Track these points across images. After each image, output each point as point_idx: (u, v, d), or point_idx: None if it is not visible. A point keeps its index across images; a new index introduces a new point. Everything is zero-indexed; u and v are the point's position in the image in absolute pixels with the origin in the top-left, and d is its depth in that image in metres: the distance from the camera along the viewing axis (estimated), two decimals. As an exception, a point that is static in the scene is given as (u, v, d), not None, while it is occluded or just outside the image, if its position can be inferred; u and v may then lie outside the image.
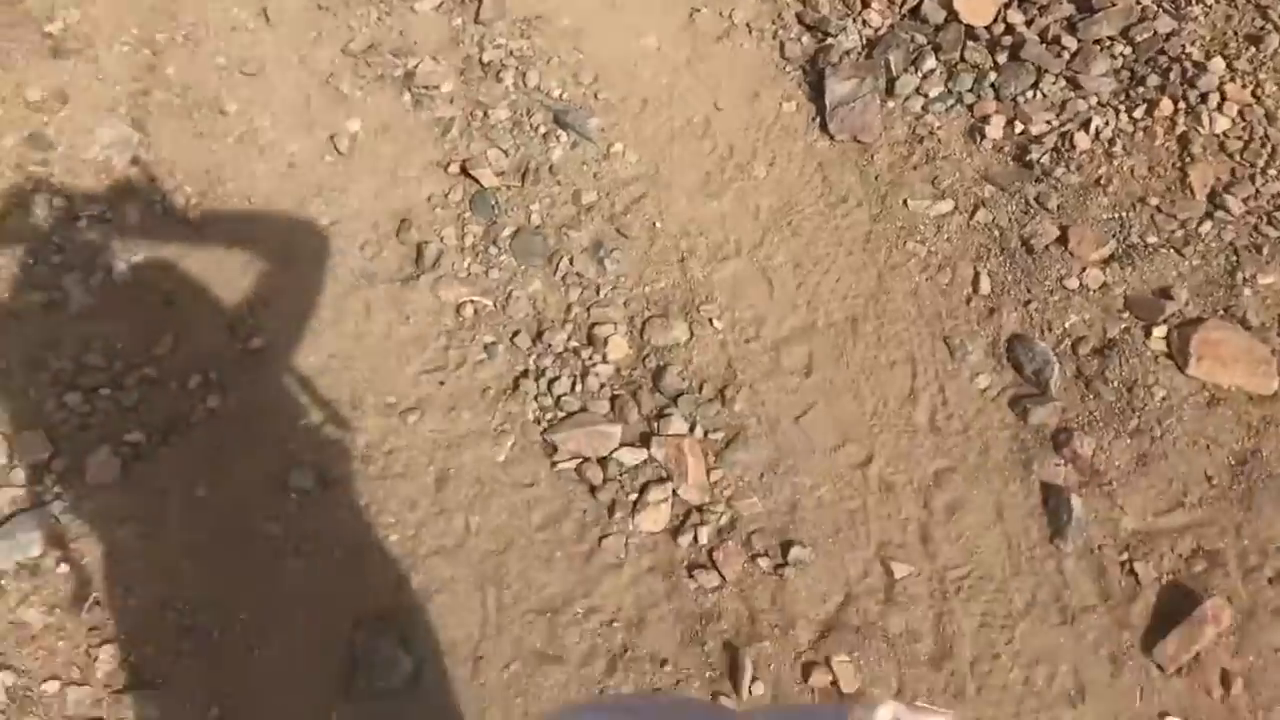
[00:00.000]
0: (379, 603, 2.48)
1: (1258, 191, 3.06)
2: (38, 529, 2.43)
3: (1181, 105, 3.18)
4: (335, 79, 3.13)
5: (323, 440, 2.64)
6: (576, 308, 2.90)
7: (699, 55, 3.39)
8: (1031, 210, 3.11)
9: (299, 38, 3.17)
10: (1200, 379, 2.83)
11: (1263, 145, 3.11)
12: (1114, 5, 3.28)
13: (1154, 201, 3.11)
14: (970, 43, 3.36)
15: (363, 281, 2.87)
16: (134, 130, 2.95)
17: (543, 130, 3.16)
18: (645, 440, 2.70)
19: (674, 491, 2.64)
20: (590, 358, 2.81)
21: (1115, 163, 3.17)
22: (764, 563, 2.58)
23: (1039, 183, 3.16)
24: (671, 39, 3.40)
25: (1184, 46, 3.23)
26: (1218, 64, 3.18)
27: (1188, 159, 3.15)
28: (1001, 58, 3.33)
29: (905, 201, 3.16)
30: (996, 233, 3.09)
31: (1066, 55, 3.29)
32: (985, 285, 3.00)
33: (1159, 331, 2.90)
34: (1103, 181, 3.14)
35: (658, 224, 3.07)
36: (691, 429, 2.74)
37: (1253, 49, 3.21)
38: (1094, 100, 3.24)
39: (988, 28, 3.38)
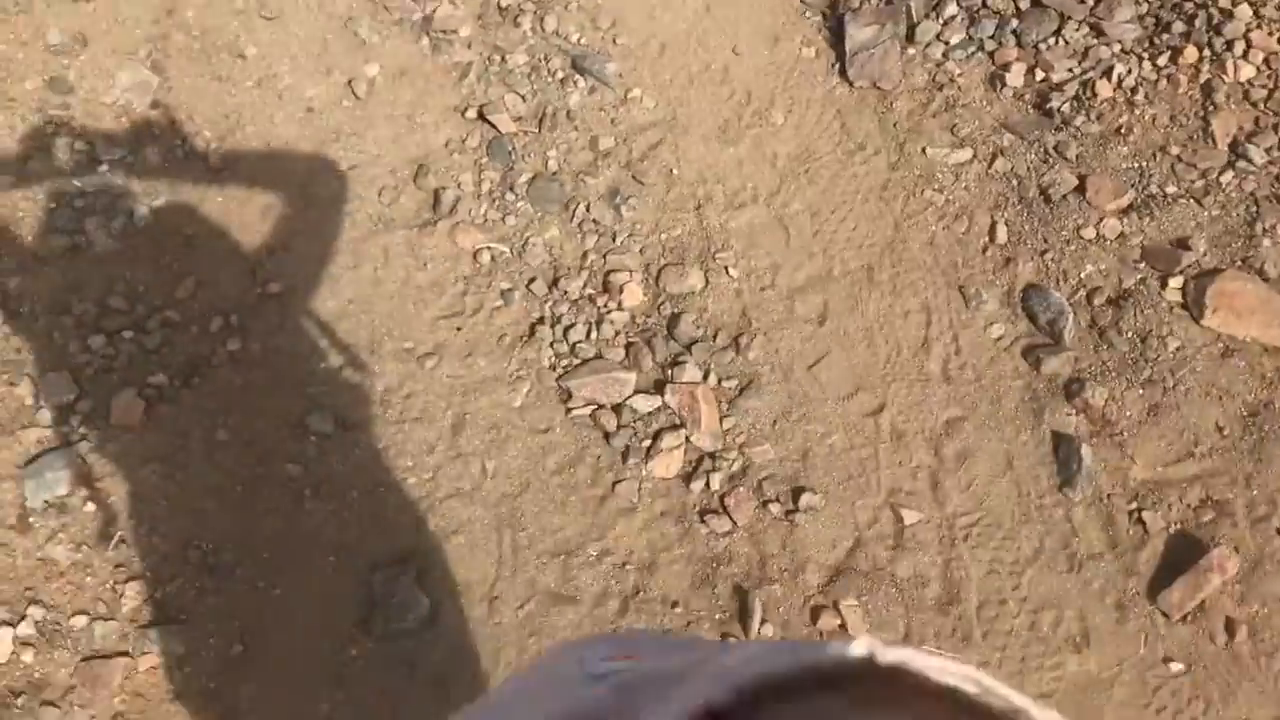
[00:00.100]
0: (397, 544, 2.53)
1: (1280, 141, 3.04)
2: (65, 468, 2.48)
3: (1206, 53, 3.15)
4: (353, 23, 3.13)
5: (341, 384, 2.68)
6: (593, 255, 2.92)
7: None
8: (1050, 159, 3.10)
9: (317, -19, 3.17)
10: (1215, 330, 2.84)
11: (1286, 94, 3.09)
12: (1139, -50, 3.24)
13: (1175, 151, 3.09)
14: (992, -12, 3.33)
15: (380, 227, 2.89)
16: (153, 74, 2.96)
17: (560, 75, 3.15)
18: (659, 387, 2.73)
19: (687, 438, 2.68)
20: (605, 305, 2.84)
21: (1137, 111, 3.15)
22: (775, 508, 2.62)
23: (1059, 131, 3.14)
24: (690, -17, 3.38)
25: (1209, -7, 3.20)
26: (1244, 11, 3.15)
27: (1211, 108, 3.12)
28: (1024, 4, 3.30)
29: (924, 150, 3.15)
30: (1014, 182, 3.08)
31: (1090, 1, 3.25)
32: (1002, 234, 3.00)
33: (1175, 282, 2.89)
34: (1123, 130, 3.12)
35: (675, 171, 3.07)
36: (705, 376, 2.77)
37: (1279, -5, 3.17)
38: (1117, 47, 3.21)
39: (1010, -27, 3.35)
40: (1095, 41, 3.23)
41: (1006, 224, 3.02)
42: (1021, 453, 2.72)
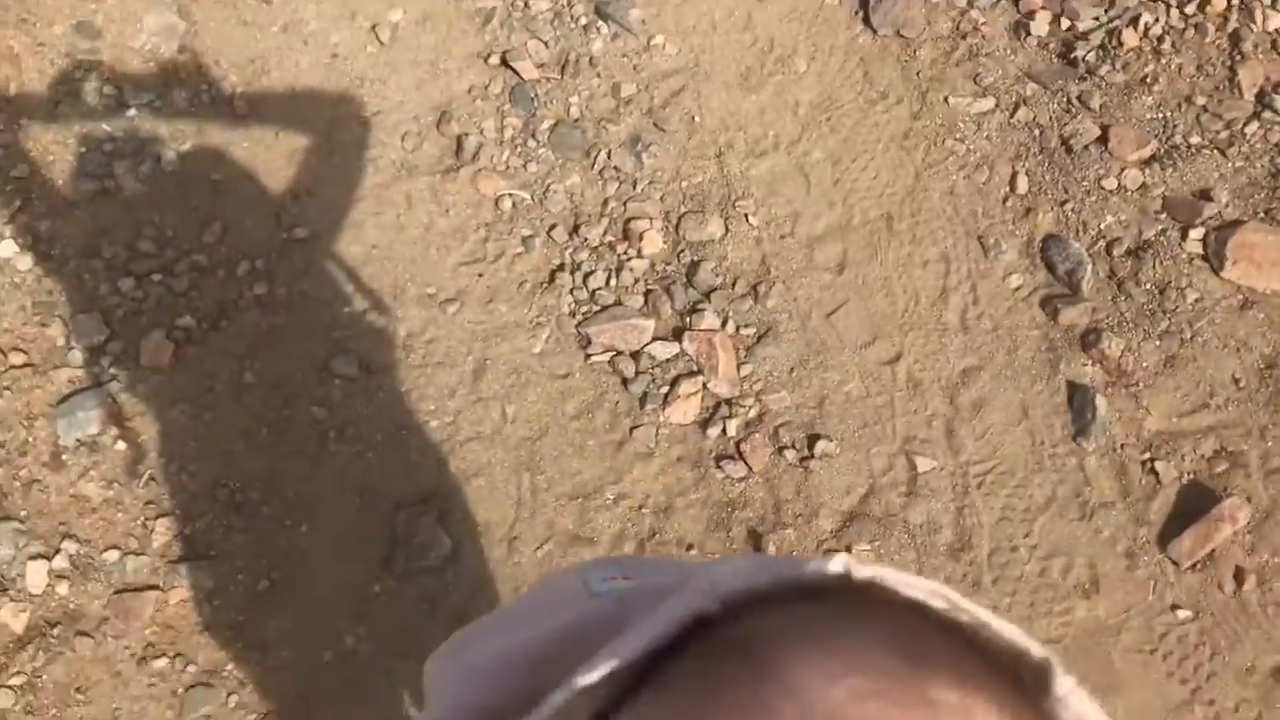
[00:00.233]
0: (419, 485, 2.59)
1: (1306, 92, 3.02)
2: (96, 408, 2.55)
3: (1235, 1, 3.12)
4: (377, -32, 3.14)
5: (365, 329, 2.73)
6: (613, 202, 2.94)
7: (742, -55, 3.35)
8: (1073, 109, 3.09)
9: (341, -74, 3.18)
10: (1235, 282, 2.84)
11: (1315, 44, 3.06)
12: (1170, -104, 3.20)
13: (1200, 101, 3.07)
14: (1019, -66, 3.30)
15: (404, 173, 2.92)
16: (180, 18, 2.99)
17: (583, 21, 3.16)
18: (677, 334, 2.77)
19: (704, 385, 2.71)
20: (625, 252, 2.86)
21: (1163, 61, 3.12)
22: (790, 455, 2.66)
23: (1083, 81, 3.12)
24: (715, -72, 3.36)
25: (1240, -60, 3.16)
26: (1274, -41, 3.11)
27: (1238, 57, 3.10)
28: (1050, -50, 3.27)
29: (946, 99, 3.14)
30: (1036, 132, 3.07)
31: (1118, -52, 3.22)
32: (1022, 185, 3.00)
33: (1195, 234, 2.89)
34: (1149, 80, 3.10)
35: (696, 118, 3.08)
36: (723, 324, 2.79)
37: (1311, -57, 3.13)
38: (1144, -5, 3.19)
39: (1038, -81, 3.32)
40: (1122, -11, 3.20)
41: (1027, 174, 3.01)
42: (1036, 402, 2.74)
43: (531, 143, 2.99)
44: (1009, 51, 3.20)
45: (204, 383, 2.62)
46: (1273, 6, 3.10)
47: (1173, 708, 2.45)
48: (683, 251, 2.89)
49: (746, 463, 2.64)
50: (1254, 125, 3.01)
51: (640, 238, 2.87)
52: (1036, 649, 0.45)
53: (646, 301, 2.82)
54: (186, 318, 2.67)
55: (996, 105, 3.12)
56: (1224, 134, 3.01)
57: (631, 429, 2.67)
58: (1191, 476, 2.64)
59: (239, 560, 2.48)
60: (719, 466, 2.64)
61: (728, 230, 2.93)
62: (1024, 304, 2.86)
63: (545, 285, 2.82)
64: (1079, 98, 3.10)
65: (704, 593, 0.48)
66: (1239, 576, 2.53)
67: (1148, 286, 2.84)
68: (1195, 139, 3.01)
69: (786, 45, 3.21)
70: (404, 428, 2.64)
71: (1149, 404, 2.72)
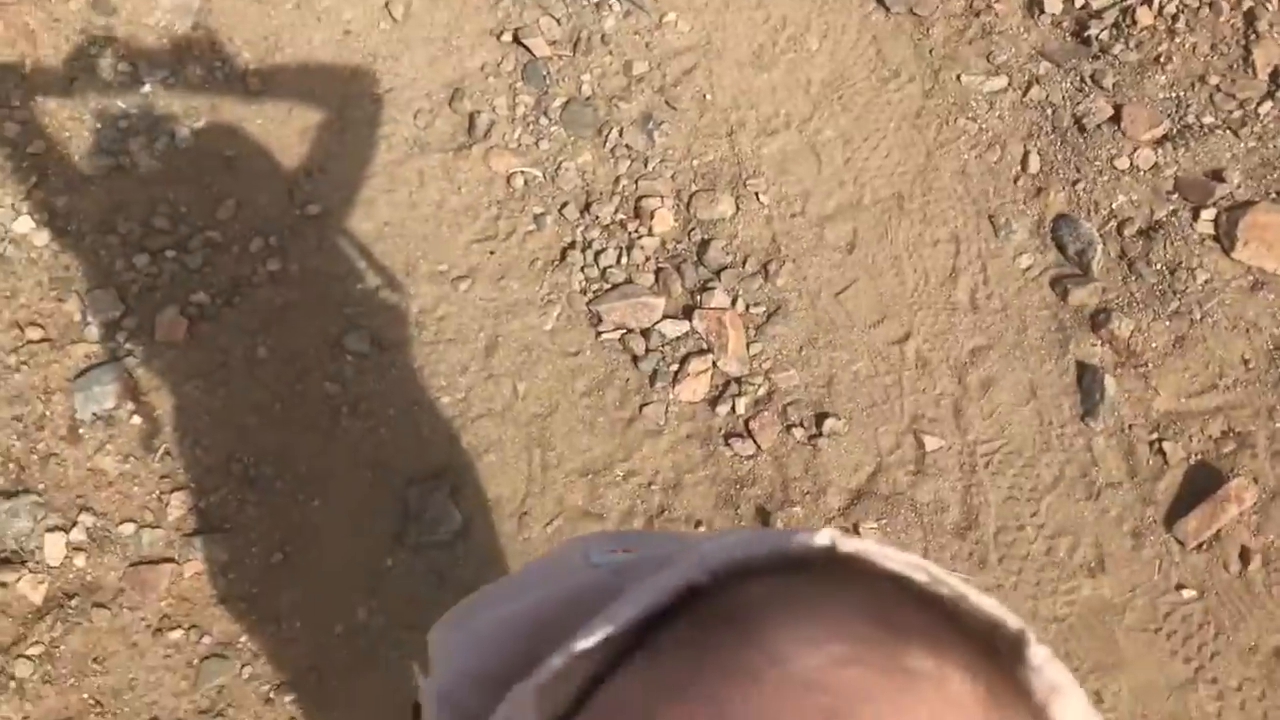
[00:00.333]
0: (431, 461, 2.61)
1: (1321, 72, 3.00)
2: (112, 382, 2.58)
3: (1250, -20, 3.11)
4: (390, -55, 3.14)
5: (378, 305, 2.75)
6: (624, 180, 2.95)
7: (755, -78, 3.35)
8: (1086, 88, 3.08)
9: (354, -98, 3.18)
10: (1245, 263, 2.84)
11: (1330, 24, 3.04)
12: (1186, -127, 3.18)
13: (1214, 80, 3.06)
14: (1034, -89, 3.28)
15: (416, 150, 2.93)
16: (194, -4, 3.00)
17: (595, -1, 3.16)
18: (687, 313, 2.78)
19: (714, 363, 2.73)
20: (636, 230, 2.88)
21: (1177, 40, 3.11)
22: (798, 433, 2.68)
23: (1096, 60, 3.11)
24: (728, -95, 3.35)
25: (1257, -82, 3.14)
26: (1291, -63, 3.09)
27: (1253, 36, 3.08)
28: (1065, -72, 3.26)
29: (959, 77, 3.13)
30: (1049, 111, 3.07)
31: (1133, -74, 3.21)
32: (1034, 164, 3.00)
33: (1207, 214, 2.89)
34: (1162, 59, 3.09)
35: (708, 96, 3.08)
36: (733, 302, 2.81)
37: (1329, -79, 3.11)
38: (1159, -27, 3.17)
39: (1053, -105, 3.30)
40: (1137, -33, 3.19)
41: (1039, 153, 3.01)
42: (1045, 382, 2.75)
43: (543, 120, 3.00)
44: (1022, 30, 3.19)
45: (218, 358, 2.65)
46: (1289, -15, 3.08)
47: (1176, 686, 2.47)
48: (693, 230, 2.90)
49: (755, 440, 2.66)
50: (1268, 105, 3.00)
51: (651, 216, 2.89)
52: (1013, 621, 0.48)
53: (657, 279, 2.83)
54: (200, 294, 2.70)
55: (1009, 84, 3.12)
56: (1237, 114, 3.00)
57: (641, 406, 2.69)
58: (1199, 457, 2.65)
59: (253, 533, 2.51)
60: (728, 444, 2.66)
61: (738, 209, 2.93)
62: (1034, 284, 2.87)
63: (556, 263, 2.84)
64: (1092, 76, 3.09)
65: (696, 564, 0.50)
66: (1245, 557, 2.55)
67: (1158, 267, 2.84)
68: (1208, 119, 3.00)
69: (799, 23, 3.21)
70: (416, 404, 2.67)
71: (1158, 384, 2.72)
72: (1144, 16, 3.12)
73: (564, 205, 2.90)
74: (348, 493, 2.57)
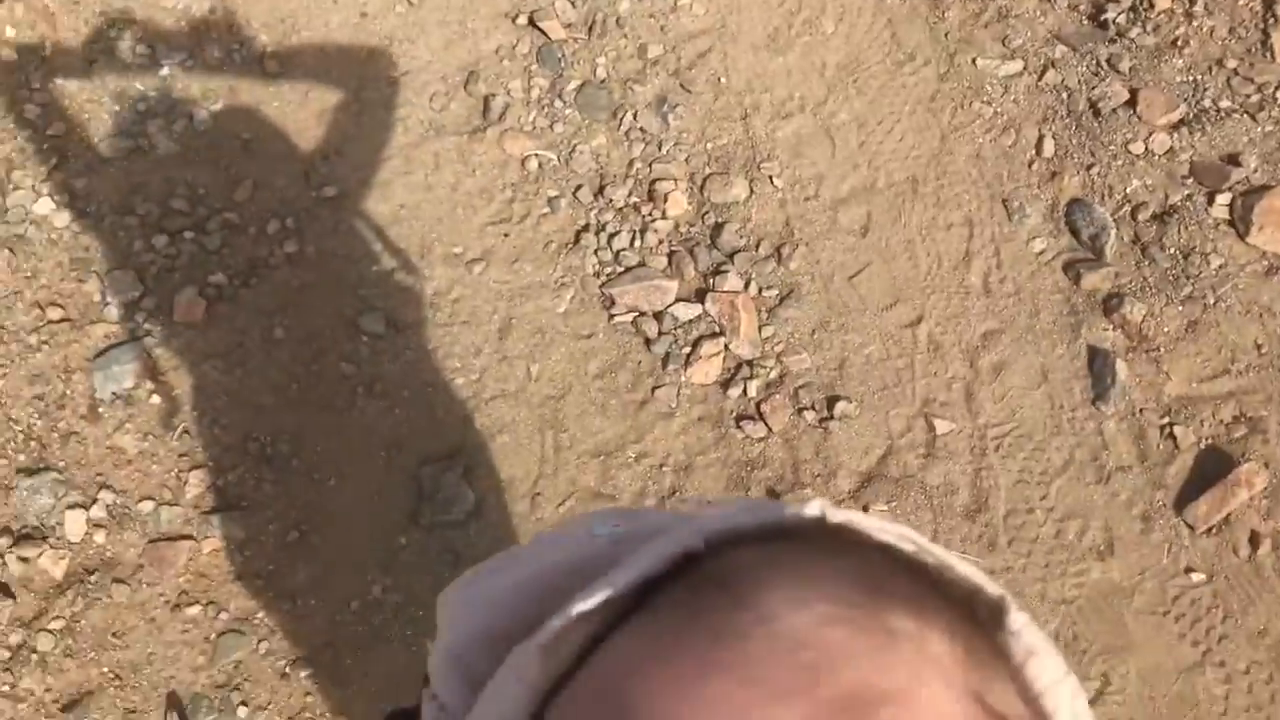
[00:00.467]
0: (445, 441, 2.64)
1: (1339, 56, 2.99)
2: (131, 362, 2.61)
3: (1268, -37, 3.09)
4: (406, -72, 3.16)
5: (393, 287, 2.78)
6: (638, 163, 2.96)
7: (771, -95, 3.34)
8: (1102, 72, 3.07)
9: (371, -115, 3.19)
10: (1260, 248, 2.83)
11: (1349, 7, 3.02)
12: None
13: (1231, 64, 3.05)
14: (1052, -106, 3.27)
15: (431, 133, 2.95)
16: (212, -22, 3.02)
17: (611, -18, 3.17)
18: (700, 296, 2.80)
19: (726, 346, 2.74)
20: (650, 214, 2.89)
21: (1194, 23, 3.10)
22: (810, 415, 2.69)
23: (1112, 44, 3.11)
24: (744, -113, 3.35)
25: (1276, -100, 3.11)
26: (1310, -81, 3.07)
27: (1271, 20, 3.07)
28: (1083, -90, 3.24)
29: (974, 61, 3.13)
30: (1064, 95, 3.06)
31: (1151, -92, 3.19)
32: (1049, 148, 3.00)
33: (1222, 199, 2.89)
34: (1179, 43, 3.08)
35: (722, 79, 3.09)
36: (746, 286, 2.82)
37: (1349, -97, 3.08)
38: (1177, -44, 3.16)
39: (1071, -122, 3.28)
40: (1155, -50, 3.17)
41: (1054, 137, 3.01)
42: (1056, 366, 2.75)
43: (558, 103, 3.01)
44: (1038, 13, 3.18)
45: (235, 338, 2.68)
46: (1308, -32, 3.06)
47: (1184, 669, 2.48)
48: (707, 213, 2.91)
49: (766, 423, 2.67)
50: (1285, 89, 2.98)
51: (665, 199, 2.90)
52: (993, 588, 0.50)
53: (670, 263, 2.85)
54: (218, 274, 2.73)
55: (1024, 68, 3.11)
56: (1255, 98, 2.99)
57: (653, 389, 2.71)
58: (1210, 442, 2.66)
59: (269, 511, 2.55)
60: (739, 426, 2.68)
61: (752, 192, 2.94)
62: (1047, 268, 2.87)
63: (570, 246, 2.86)
64: (1108, 60, 3.08)
65: (692, 532, 0.53)
66: (1254, 541, 2.55)
67: (1172, 252, 2.84)
68: (1225, 103, 2.99)
69: (814, 6, 3.21)
70: (430, 385, 2.69)
71: (1169, 369, 2.73)
72: (1162, 0, 3.11)
73: (578, 188, 2.92)
74: (363, 472, 2.60)
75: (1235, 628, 2.50)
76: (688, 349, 2.74)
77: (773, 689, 0.42)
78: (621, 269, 2.82)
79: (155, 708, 2.39)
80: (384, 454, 2.61)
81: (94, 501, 2.50)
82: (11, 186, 2.74)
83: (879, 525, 0.52)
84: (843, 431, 2.68)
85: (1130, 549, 2.57)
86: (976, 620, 0.49)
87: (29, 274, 2.68)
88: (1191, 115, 2.99)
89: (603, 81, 3.05)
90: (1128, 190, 2.92)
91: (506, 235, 2.86)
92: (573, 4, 3.12)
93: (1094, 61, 3.09)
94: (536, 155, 2.94)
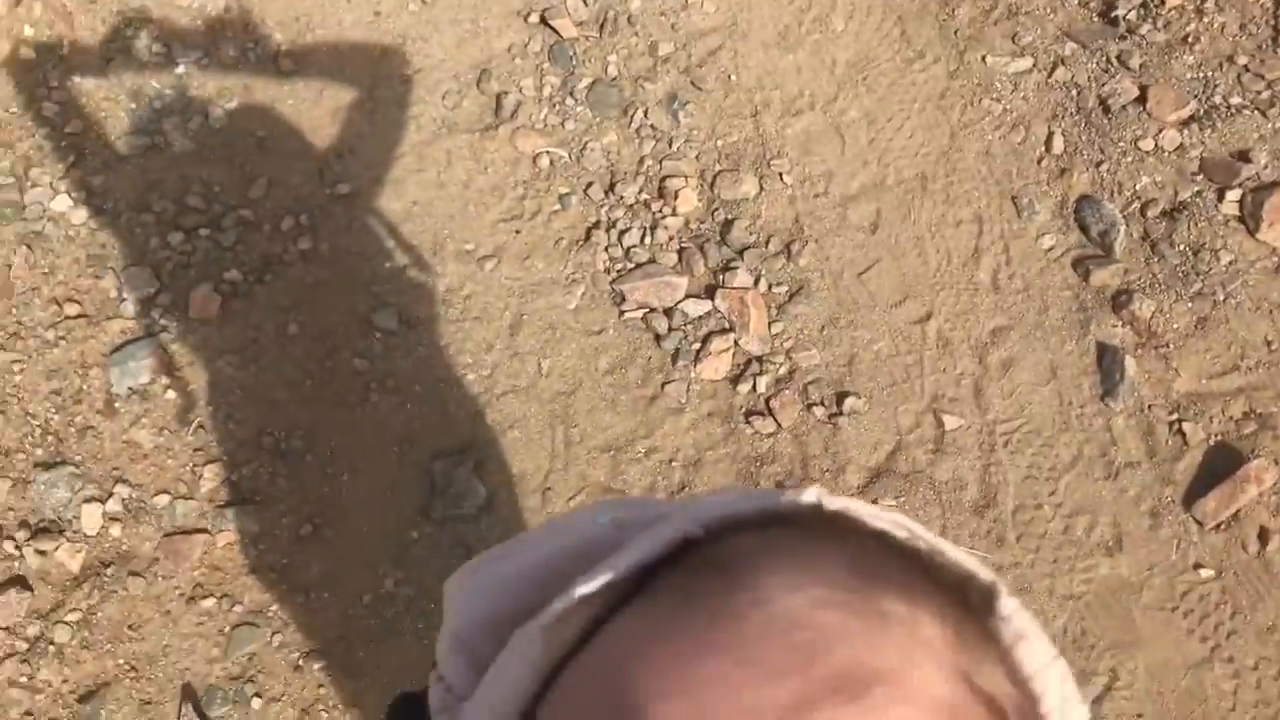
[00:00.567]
0: (456, 436, 2.66)
1: (1350, 52, 2.98)
2: (147, 357, 2.64)
3: (1280, -41, 3.09)
4: (419, -73, 3.18)
5: (405, 283, 2.80)
6: (649, 160, 2.98)
7: (782, -97, 3.35)
8: (1112, 69, 3.08)
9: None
10: (1270, 244, 2.83)
11: (1361, 3, 3.02)
12: None
13: (1242, 61, 3.05)
14: (1062, -109, 3.27)
15: (444, 131, 2.97)
16: (227, -23, 3.05)
17: (622, -20, 3.18)
18: (710, 292, 2.81)
19: (735, 342, 2.76)
20: (660, 210, 2.91)
21: (1205, 20, 3.10)
22: (819, 411, 2.70)
23: (1122, 40, 3.11)
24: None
25: (1287, -104, 3.11)
26: (1322, -85, 3.07)
27: (1282, 16, 3.07)
28: (1094, -93, 3.25)
29: (984, 58, 3.14)
30: (1074, 91, 3.07)
31: (1162, -95, 3.19)
32: (1058, 145, 3.00)
33: (1232, 195, 2.88)
34: (1190, 39, 3.08)
35: (733, 77, 3.10)
36: (756, 282, 2.83)
37: (1361, -101, 3.08)
38: (1187, -47, 3.16)
39: (1082, -125, 3.29)
40: (1166, -53, 3.17)
41: (1063, 134, 3.01)
42: (1065, 362, 2.76)
43: (569, 101, 3.03)
44: (1048, 10, 3.18)
45: (250, 334, 2.71)
46: (1320, -36, 3.06)
47: (1192, 665, 2.48)
48: (717, 210, 2.93)
49: (776, 419, 2.69)
50: (1296, 86, 2.98)
51: (675, 196, 2.91)
52: (985, 574, 0.52)
53: (680, 259, 2.86)
54: (233, 271, 2.75)
55: (1034, 65, 3.12)
56: (1265, 94, 2.99)
57: (663, 384, 2.73)
58: (1219, 438, 2.66)
59: (283, 505, 2.57)
60: (748, 422, 2.69)
61: (762, 189, 2.96)
62: (1056, 264, 2.88)
63: (581, 242, 2.88)
64: (1118, 57, 3.08)
65: (691, 518, 0.55)
66: (1263, 537, 2.56)
67: (1181, 248, 2.84)
68: (1235, 99, 2.99)
69: (824, 4, 3.22)
70: (442, 380, 2.72)
71: (1178, 365, 2.73)
72: (1172, -4, 3.12)
73: (589, 185, 2.93)
74: (376, 467, 2.62)
75: (1244, 623, 2.51)
76: (698, 345, 2.75)
77: (768, 668, 0.43)
78: (632, 265, 2.84)
79: (170, 699, 2.41)
80: (396, 449, 2.64)
81: (110, 495, 2.53)
82: (30, 184, 2.77)
83: (874, 512, 0.54)
84: (852, 427, 2.70)
85: (1139, 545, 2.58)
86: (968, 605, 0.51)
87: (46, 270, 2.71)
88: (1202, 112, 2.99)
89: (614, 79, 3.07)
90: (1137, 187, 2.92)
91: (518, 232, 2.88)
92: (584, 2, 3.14)
93: (1104, 58, 3.09)
94: (548, 152, 2.96)
